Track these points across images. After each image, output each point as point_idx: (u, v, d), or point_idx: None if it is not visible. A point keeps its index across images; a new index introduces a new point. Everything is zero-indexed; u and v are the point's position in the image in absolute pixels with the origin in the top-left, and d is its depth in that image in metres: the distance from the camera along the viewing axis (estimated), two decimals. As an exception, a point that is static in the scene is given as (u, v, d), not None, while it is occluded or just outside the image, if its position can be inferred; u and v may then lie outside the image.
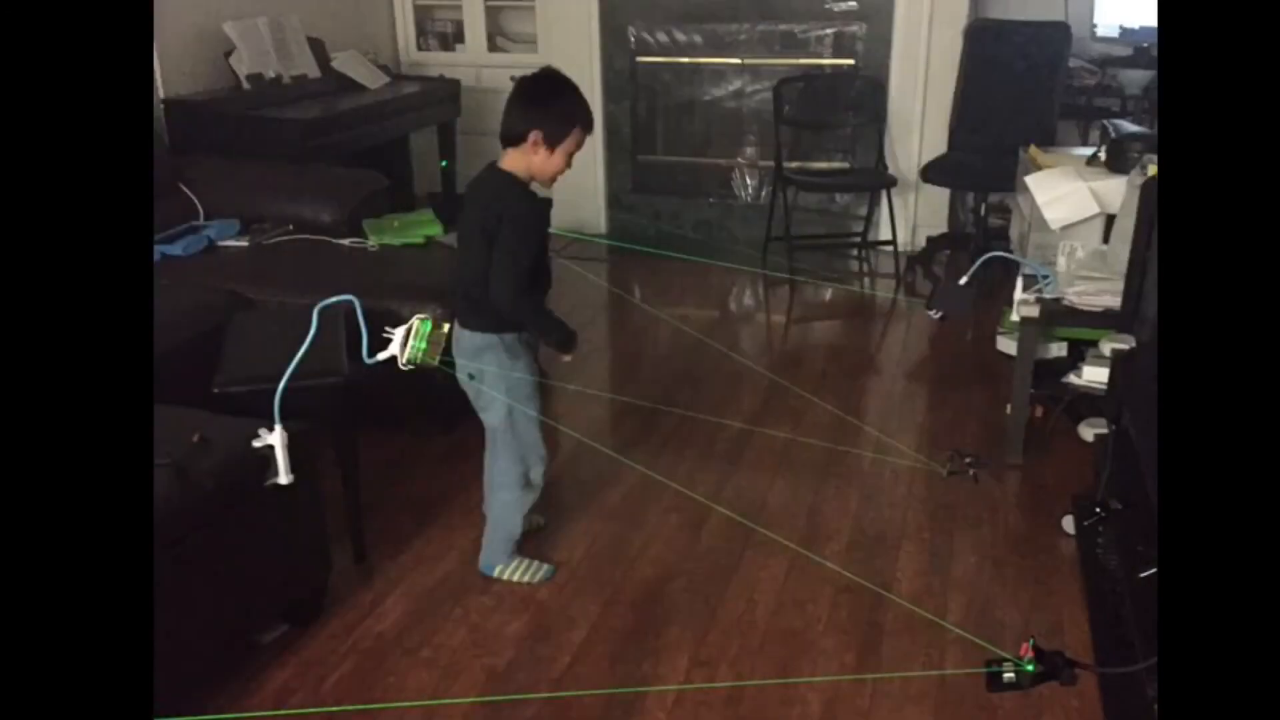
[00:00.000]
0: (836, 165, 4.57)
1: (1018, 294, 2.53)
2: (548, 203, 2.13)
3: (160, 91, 3.49)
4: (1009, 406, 2.74)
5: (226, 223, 3.14)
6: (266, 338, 2.23)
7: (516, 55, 4.75)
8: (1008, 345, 2.98)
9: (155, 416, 1.83)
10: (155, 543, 1.61)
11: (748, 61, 4.56)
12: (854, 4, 4.35)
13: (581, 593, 2.15)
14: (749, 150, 4.69)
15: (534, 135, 1.92)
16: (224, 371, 2.06)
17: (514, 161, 1.97)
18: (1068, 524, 2.32)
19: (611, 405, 3.09)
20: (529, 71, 2.04)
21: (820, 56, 4.48)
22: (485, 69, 4.72)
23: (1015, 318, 2.60)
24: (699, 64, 4.62)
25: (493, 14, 4.79)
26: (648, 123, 4.84)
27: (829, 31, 4.44)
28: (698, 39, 4.55)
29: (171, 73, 3.50)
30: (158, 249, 2.93)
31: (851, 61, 4.44)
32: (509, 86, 2.02)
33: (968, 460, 2.41)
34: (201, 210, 3.21)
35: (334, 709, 1.83)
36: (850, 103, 4.38)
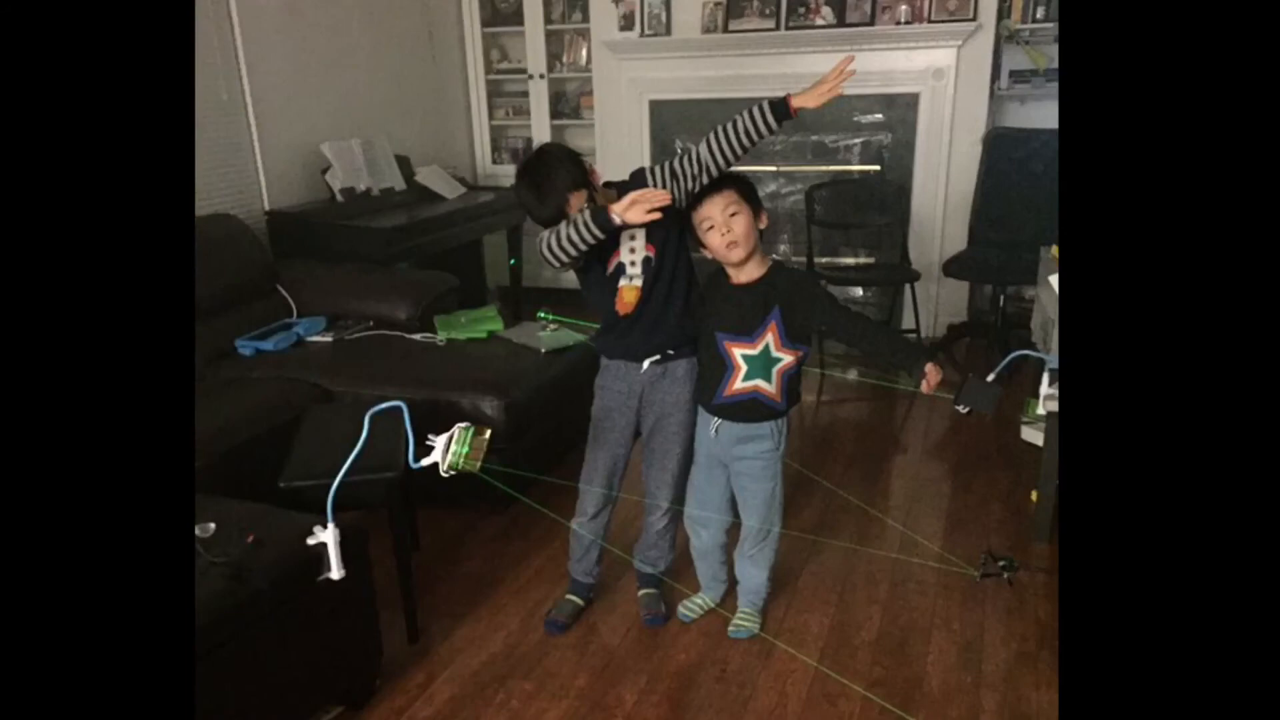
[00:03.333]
0: (863, 260, 4.39)
1: (1044, 389, 2.31)
2: None
3: (265, 204, 3.50)
4: (1034, 493, 2.49)
5: (314, 320, 3.09)
6: (334, 433, 2.12)
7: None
8: (1032, 435, 2.74)
9: (220, 511, 1.74)
10: (210, 638, 1.49)
11: (782, 169, 4.45)
12: (880, 117, 4.23)
13: (618, 680, 1.96)
14: (782, 247, 4.54)
15: None
16: (290, 467, 1.95)
17: None
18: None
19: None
20: None
21: (849, 163, 4.34)
22: (550, 178, 4.70)
23: (1042, 411, 2.38)
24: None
25: (558, 131, 4.79)
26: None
27: (857, 141, 4.31)
28: (737, 149, 4.46)
29: (274, 188, 3.52)
30: (252, 345, 2.88)
31: (878, 168, 4.29)
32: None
33: (1001, 564, 2.15)
34: (294, 308, 3.17)
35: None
36: (876, 204, 4.22)
